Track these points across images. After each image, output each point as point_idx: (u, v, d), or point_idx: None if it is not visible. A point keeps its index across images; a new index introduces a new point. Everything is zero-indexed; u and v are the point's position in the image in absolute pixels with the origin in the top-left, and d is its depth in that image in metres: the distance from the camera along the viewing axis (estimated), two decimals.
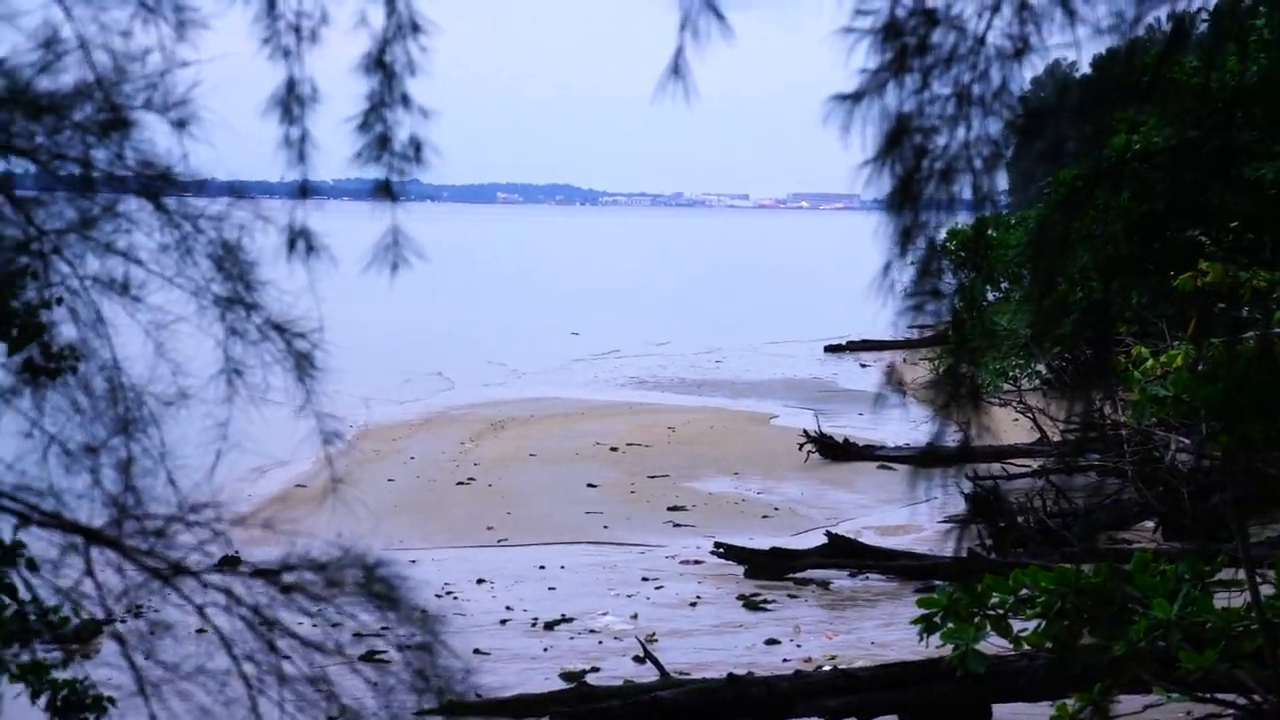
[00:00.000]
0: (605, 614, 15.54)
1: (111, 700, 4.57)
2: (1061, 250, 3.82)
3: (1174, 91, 4.27)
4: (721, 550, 17.86)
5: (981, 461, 19.87)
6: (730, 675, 10.34)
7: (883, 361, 41.38)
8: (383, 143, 3.31)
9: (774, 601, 16.30)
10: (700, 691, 10.10)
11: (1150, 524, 17.74)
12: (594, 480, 24.34)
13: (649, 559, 18.93)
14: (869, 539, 18.71)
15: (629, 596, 16.52)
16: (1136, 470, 17.31)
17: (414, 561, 17.21)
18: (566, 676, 12.70)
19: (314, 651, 3.19)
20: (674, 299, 71.58)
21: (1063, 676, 6.23)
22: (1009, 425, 21.49)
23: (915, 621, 6.51)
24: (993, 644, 6.44)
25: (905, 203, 3.05)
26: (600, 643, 14.34)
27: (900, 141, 2.97)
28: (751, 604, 16.15)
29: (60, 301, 3.32)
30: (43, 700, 4.71)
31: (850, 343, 47.12)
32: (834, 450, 26.03)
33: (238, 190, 3.25)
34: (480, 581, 17.28)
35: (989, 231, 21.78)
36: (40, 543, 3.48)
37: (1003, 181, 3.27)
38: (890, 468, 24.37)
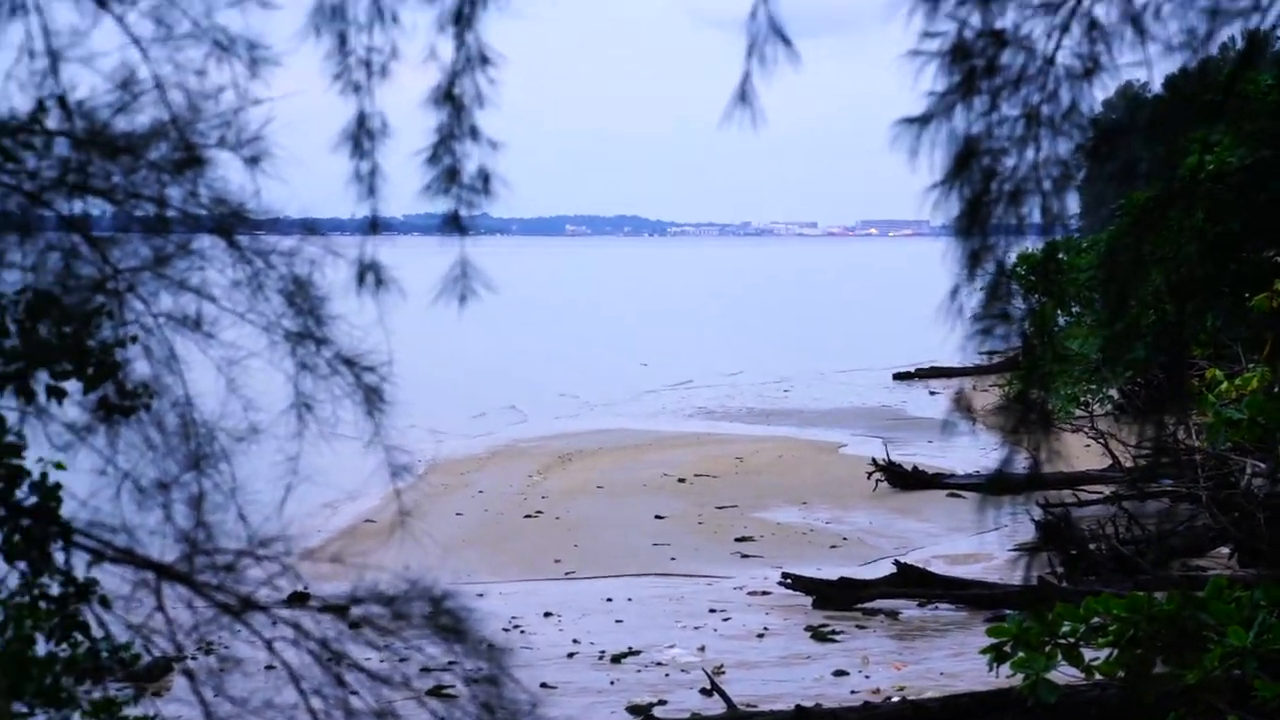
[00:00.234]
0: (672, 646, 15.48)
1: None
2: (1133, 272, 3.78)
3: (1248, 109, 4.22)
4: (789, 581, 17.75)
5: (1052, 488, 19.66)
6: (798, 707, 10.28)
7: (952, 389, 41.09)
8: (451, 175, 3.33)
9: (842, 632, 16.18)
10: None
11: (1225, 550, 17.46)
12: (661, 511, 24.29)
13: (716, 590, 18.84)
14: (938, 568, 18.53)
15: (696, 628, 16.45)
16: (1211, 495, 17.04)
17: (481, 595, 17.23)
18: (633, 710, 12.66)
19: (381, 685, 3.19)
20: (743, 328, 71.52)
21: (1135, 706, 6.12)
22: (1081, 451, 21.24)
23: (985, 651, 6.43)
24: (1064, 673, 6.34)
25: (973, 226, 3.02)
26: (667, 675, 14.28)
27: (968, 164, 2.94)
28: (819, 635, 16.03)
29: (135, 339, 3.35)
30: None
31: (919, 370, 46.83)
32: (903, 478, 25.84)
33: (309, 226, 3.27)
34: (547, 614, 17.27)
35: (1059, 255, 21.58)
36: (113, 579, 3.51)
37: (1073, 204, 3.23)
38: (960, 495, 24.15)
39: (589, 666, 14.83)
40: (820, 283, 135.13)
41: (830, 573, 18.38)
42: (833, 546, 21.83)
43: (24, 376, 3.49)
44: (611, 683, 14.01)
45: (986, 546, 20.53)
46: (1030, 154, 2.96)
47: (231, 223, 3.14)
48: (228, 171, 3.16)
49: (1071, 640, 6.27)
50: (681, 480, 27.28)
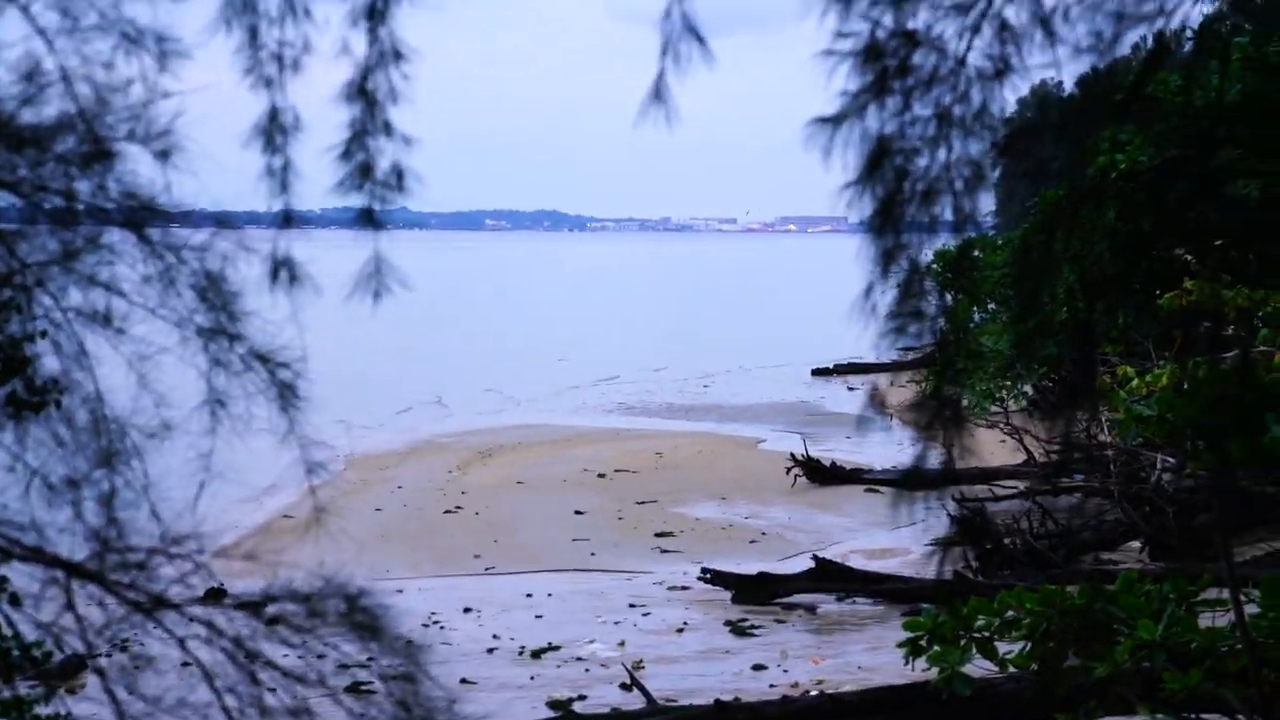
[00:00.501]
0: (592, 641, 15.50)
1: None
2: (1044, 270, 3.83)
3: (1155, 109, 4.29)
4: (708, 576, 17.84)
5: (968, 483, 19.92)
6: (717, 701, 10.32)
7: (870, 384, 41.45)
8: (365, 171, 3.31)
9: (761, 627, 16.28)
10: (687, 718, 10.07)
11: (1137, 544, 17.76)
12: (581, 507, 24.31)
13: (636, 585, 18.89)
14: (856, 562, 18.69)
15: (616, 623, 16.49)
16: (1122, 490, 17.35)
17: (400, 591, 17.15)
18: (553, 705, 12.65)
19: (296, 683, 3.17)
20: (664, 324, 71.67)
21: (1049, 698, 6.20)
22: (996, 447, 21.51)
23: (901, 645, 6.49)
24: (979, 666, 6.42)
25: (886, 225, 3.05)
26: (587, 670, 14.30)
27: (881, 164, 2.97)
28: (739, 629, 16.12)
29: (44, 335, 3.30)
30: None
31: (837, 365, 47.19)
32: (821, 474, 26.04)
33: (223, 220, 3.24)
34: (467, 610, 17.23)
35: (975, 252, 21.83)
36: (22, 577, 3.46)
37: (988, 202, 3.28)
38: (877, 490, 24.37)
39: (509, 662, 14.81)
40: (740, 278, 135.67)
41: (749, 568, 18.49)
42: (752, 541, 21.96)
43: None
44: (531, 678, 14.00)
45: (903, 541, 20.74)
46: (942, 154, 3.00)
47: (142, 216, 3.11)
48: (138, 165, 3.12)
49: (986, 634, 6.34)
50: (601, 475, 27.32)
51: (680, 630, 16.21)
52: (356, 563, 6.07)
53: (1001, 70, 2.95)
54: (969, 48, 2.92)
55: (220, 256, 3.22)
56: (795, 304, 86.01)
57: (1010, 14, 2.92)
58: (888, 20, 2.88)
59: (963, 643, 6.34)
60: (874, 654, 14.27)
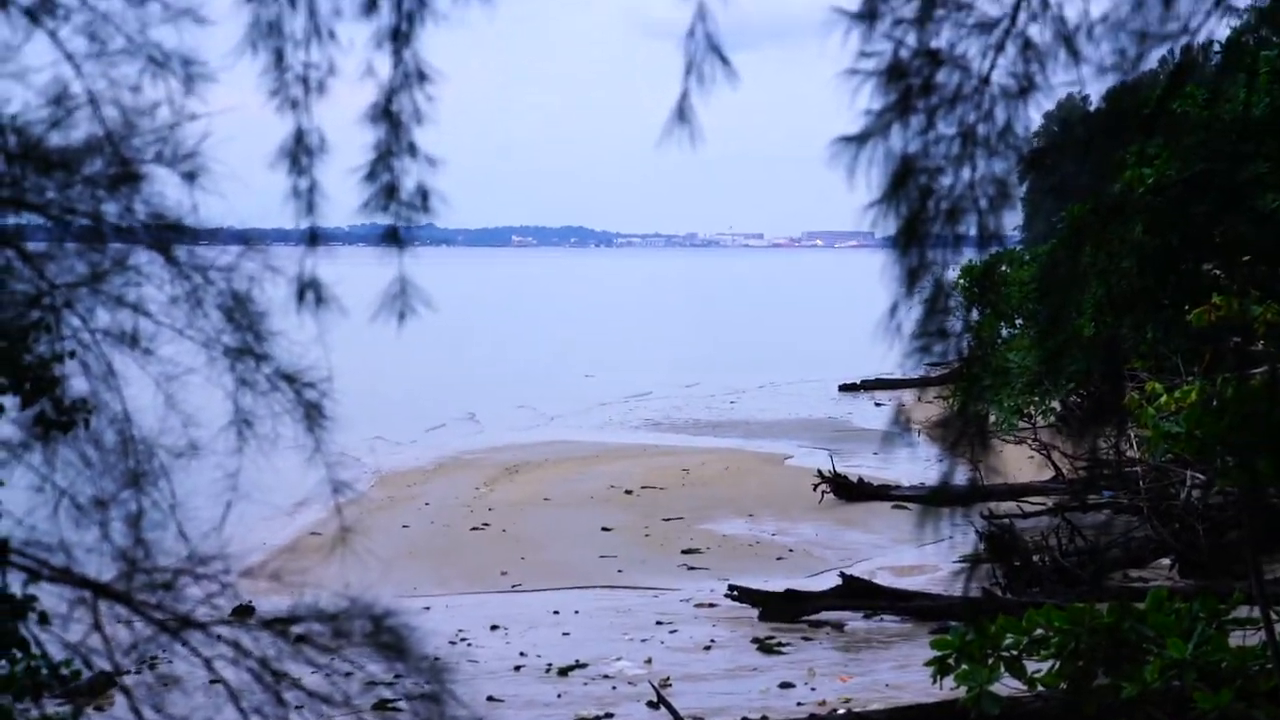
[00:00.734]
0: (619, 659, 15.47)
1: None
2: (1070, 286, 3.82)
3: (1181, 124, 4.27)
4: (736, 593, 17.79)
5: (997, 500, 19.83)
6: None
7: (897, 400, 41.34)
8: (390, 192, 3.32)
9: (788, 644, 16.23)
10: None
11: (1166, 561, 17.64)
12: (608, 524, 24.29)
13: (663, 602, 18.86)
14: (884, 579, 18.62)
15: (643, 641, 16.46)
16: (1152, 507, 17.24)
17: (427, 608, 17.17)
18: None
19: (321, 703, 3.18)
20: (691, 340, 71.66)
21: (1077, 717, 6.16)
22: (1025, 463, 21.43)
23: (929, 664, 6.46)
24: (1007, 685, 6.39)
25: (911, 243, 3.04)
26: (614, 688, 14.27)
27: (905, 183, 2.97)
28: (766, 647, 16.07)
29: (72, 355, 3.33)
30: None
31: (865, 381, 47.11)
32: (848, 490, 25.97)
33: (250, 239, 3.26)
34: (494, 628, 17.22)
35: (1002, 267, 21.78)
36: (51, 597, 3.48)
37: (1014, 218, 3.26)
38: (905, 507, 24.28)
39: (535, 679, 14.79)
40: (767, 293, 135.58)
41: (776, 584, 18.44)
42: (779, 558, 21.90)
43: None
44: (558, 695, 13.98)
45: (931, 558, 20.66)
46: (967, 172, 2.99)
47: (169, 237, 3.12)
48: (164, 187, 3.14)
49: (1014, 652, 6.31)
50: (628, 492, 27.30)
51: (707, 648, 16.17)
52: (384, 580, 6.09)
53: (1026, 88, 2.95)
54: (993, 66, 2.92)
55: (246, 277, 3.24)
56: (822, 319, 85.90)
57: (1034, 32, 2.92)
58: (911, 39, 2.88)
59: (990, 661, 6.31)
60: (902, 672, 14.20)
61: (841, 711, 11.80)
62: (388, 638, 3.25)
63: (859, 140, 2.92)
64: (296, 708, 3.20)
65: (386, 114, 3.25)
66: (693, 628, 17.18)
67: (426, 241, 3.55)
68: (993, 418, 17.78)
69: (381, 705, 3.46)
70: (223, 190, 3.18)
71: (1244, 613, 6.53)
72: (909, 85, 2.89)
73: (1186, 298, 8.72)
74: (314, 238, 3.37)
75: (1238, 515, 13.72)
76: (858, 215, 3.08)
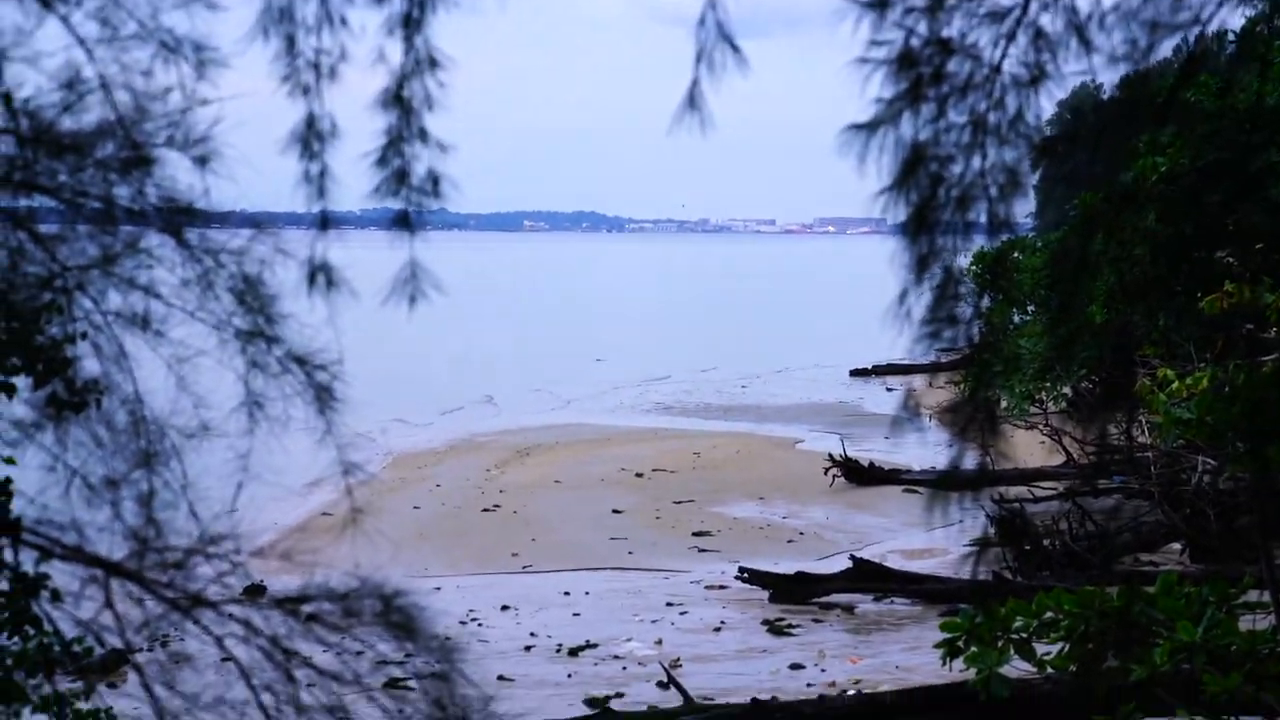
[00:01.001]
0: (629, 640, 15.53)
1: None
2: (1080, 273, 3.82)
3: (1194, 113, 4.26)
4: (746, 575, 17.83)
5: (1008, 484, 19.83)
6: (754, 700, 10.32)
7: (908, 385, 41.30)
8: (400, 177, 3.33)
9: (799, 626, 16.27)
10: (724, 717, 10.08)
11: (1177, 546, 17.65)
12: (619, 506, 24.34)
13: (673, 584, 18.91)
14: (894, 562, 18.65)
15: (653, 622, 16.51)
16: (1163, 492, 17.23)
17: (438, 589, 17.23)
18: (590, 703, 12.69)
19: (332, 681, 3.20)
20: (703, 325, 71.63)
21: (1086, 700, 6.17)
22: (1036, 448, 21.42)
23: (938, 646, 6.47)
24: (1017, 667, 6.40)
25: (921, 230, 3.04)
26: (624, 669, 14.33)
27: (916, 170, 2.97)
28: (776, 629, 16.11)
29: (84, 336, 3.34)
30: None
31: (876, 366, 47.07)
32: (859, 474, 26.00)
33: (260, 222, 3.27)
34: (505, 608, 17.28)
35: (1015, 254, 21.74)
36: (63, 576, 3.50)
37: (1025, 206, 3.26)
38: (916, 491, 24.30)
39: (546, 659, 14.85)
40: (778, 279, 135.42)
41: (787, 567, 18.47)
42: (789, 541, 21.93)
43: None
44: (569, 675, 14.04)
45: (941, 542, 20.68)
46: (977, 160, 2.99)
47: (180, 220, 3.14)
48: (176, 171, 3.15)
49: (1024, 635, 6.31)
50: (639, 475, 27.34)
51: (718, 629, 16.22)
52: (395, 561, 6.11)
53: (1037, 77, 2.94)
54: (1004, 55, 2.92)
55: (258, 260, 3.25)
56: (833, 304, 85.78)
57: (1045, 21, 2.91)
58: (922, 28, 2.87)
59: (1000, 644, 6.32)
60: (911, 654, 14.24)
61: (851, 693, 11.83)
62: (398, 617, 3.27)
63: (870, 128, 2.92)
64: (307, 686, 3.23)
65: (398, 100, 3.26)
66: (703, 609, 17.23)
67: (438, 226, 3.56)
68: (1004, 403, 17.78)
69: (392, 684, 3.48)
70: (234, 174, 3.19)
71: (1254, 597, 6.54)
72: (920, 74, 2.89)
73: (1199, 285, 8.69)
74: (325, 222, 3.38)
75: (1248, 501, 13.72)
76: (869, 202, 3.08)
